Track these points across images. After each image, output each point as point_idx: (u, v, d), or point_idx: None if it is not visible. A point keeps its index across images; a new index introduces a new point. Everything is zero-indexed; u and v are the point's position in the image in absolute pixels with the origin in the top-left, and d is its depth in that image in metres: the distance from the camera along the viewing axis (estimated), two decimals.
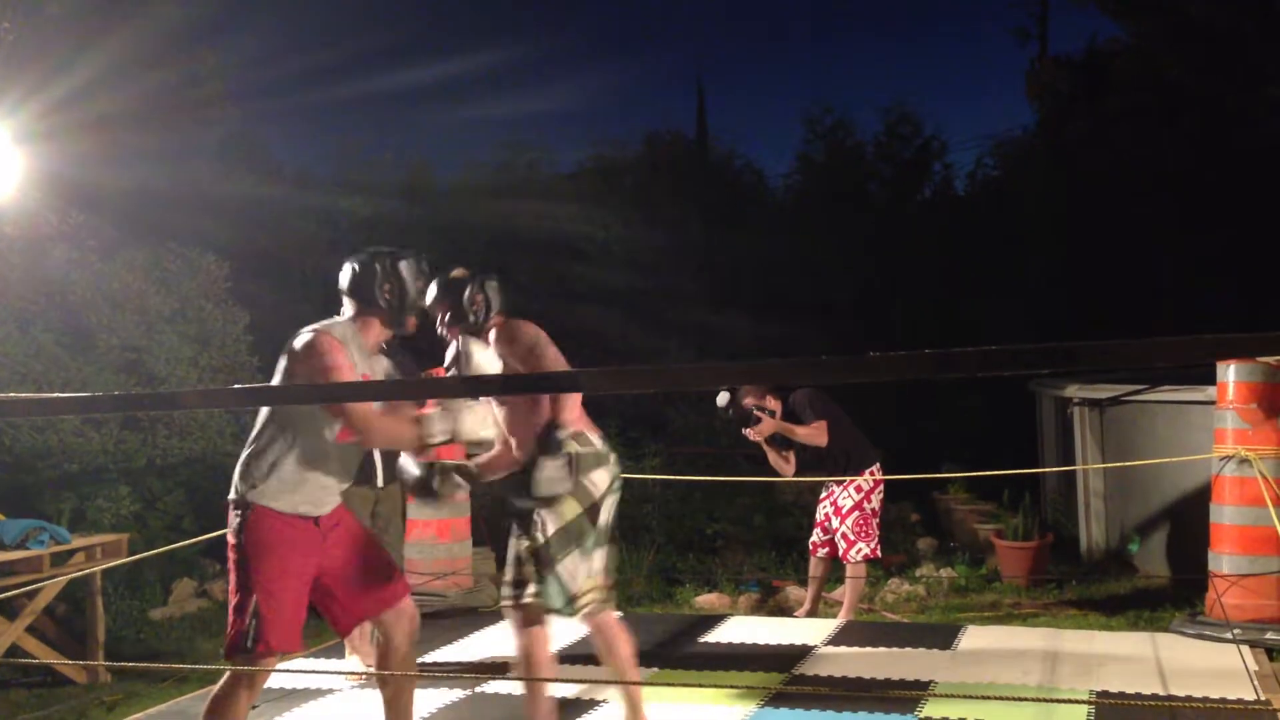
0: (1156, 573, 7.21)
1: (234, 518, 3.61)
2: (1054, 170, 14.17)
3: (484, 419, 3.76)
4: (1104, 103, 14.30)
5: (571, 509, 3.91)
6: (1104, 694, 4.68)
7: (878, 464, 6.35)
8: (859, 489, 6.27)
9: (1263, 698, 4.61)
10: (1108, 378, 8.17)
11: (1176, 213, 12.64)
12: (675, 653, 5.66)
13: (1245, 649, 5.27)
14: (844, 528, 6.29)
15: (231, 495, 3.64)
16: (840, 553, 6.32)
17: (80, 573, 5.60)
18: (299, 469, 3.59)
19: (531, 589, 3.87)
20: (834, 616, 6.37)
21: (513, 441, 4.06)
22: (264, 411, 3.72)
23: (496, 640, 5.86)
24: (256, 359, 8.51)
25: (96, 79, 7.69)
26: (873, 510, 6.32)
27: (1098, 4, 15.16)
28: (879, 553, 6.41)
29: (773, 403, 6.35)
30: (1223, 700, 4.57)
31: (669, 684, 5.09)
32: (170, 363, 8.12)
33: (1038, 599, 6.83)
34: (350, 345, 3.66)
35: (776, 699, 4.76)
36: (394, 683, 3.79)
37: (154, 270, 8.47)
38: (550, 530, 3.89)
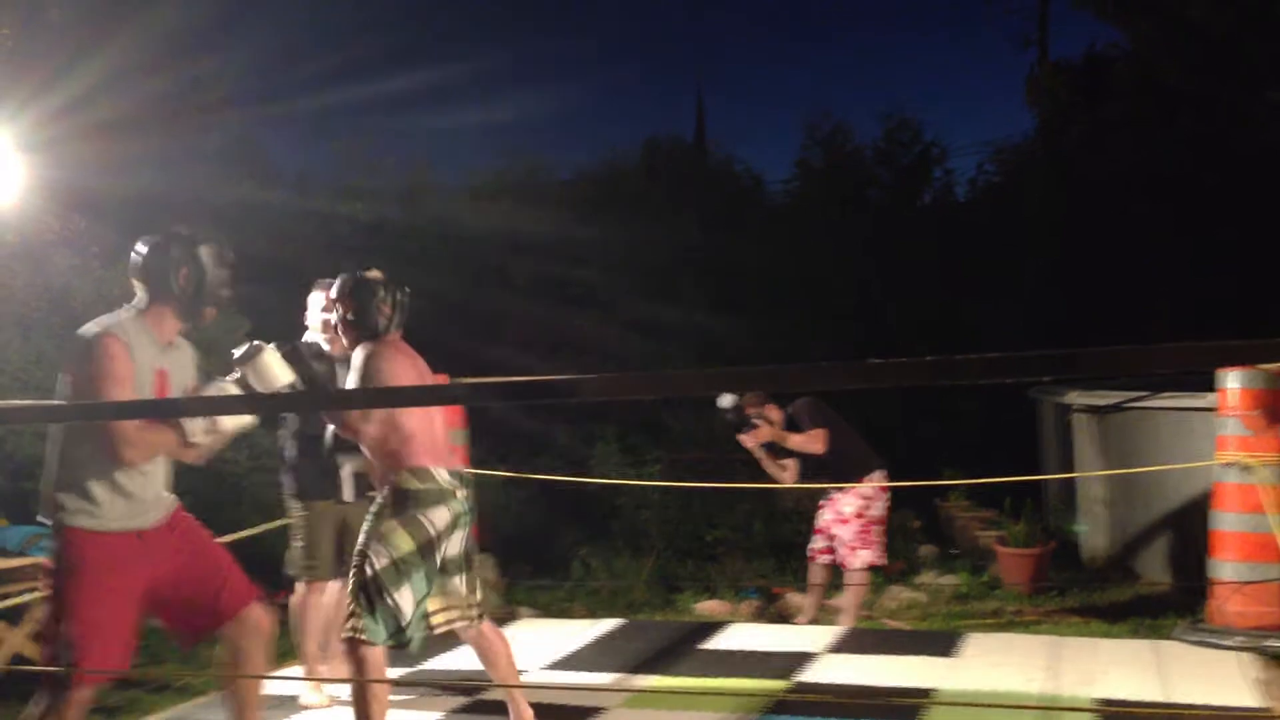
0: (1158, 580, 7.20)
1: (50, 543, 3.37)
2: (1054, 175, 14.19)
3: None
4: (1103, 108, 14.33)
5: (405, 544, 3.86)
6: (1107, 701, 4.67)
7: (881, 471, 6.35)
8: (861, 496, 6.27)
9: (1265, 705, 4.60)
10: (1108, 384, 8.17)
11: (1175, 217, 12.66)
12: (676, 660, 5.65)
13: (1247, 656, 5.26)
14: (846, 534, 6.28)
15: (43, 519, 3.39)
16: (841, 559, 6.32)
17: None
18: (105, 484, 3.35)
19: (356, 623, 3.83)
20: (835, 623, 6.37)
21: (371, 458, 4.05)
22: (55, 430, 3.43)
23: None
24: None
25: (96, 85, 7.71)
26: (876, 518, 6.32)
27: (1096, 9, 15.19)
28: (883, 560, 6.41)
29: (772, 411, 6.37)
30: (1225, 708, 4.56)
31: (670, 691, 5.08)
32: None
33: (1040, 606, 6.83)
34: (140, 341, 3.42)
35: (779, 706, 4.76)
36: (236, 692, 3.58)
37: None
38: (380, 564, 3.84)
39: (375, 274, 4.14)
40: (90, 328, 3.41)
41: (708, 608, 7.07)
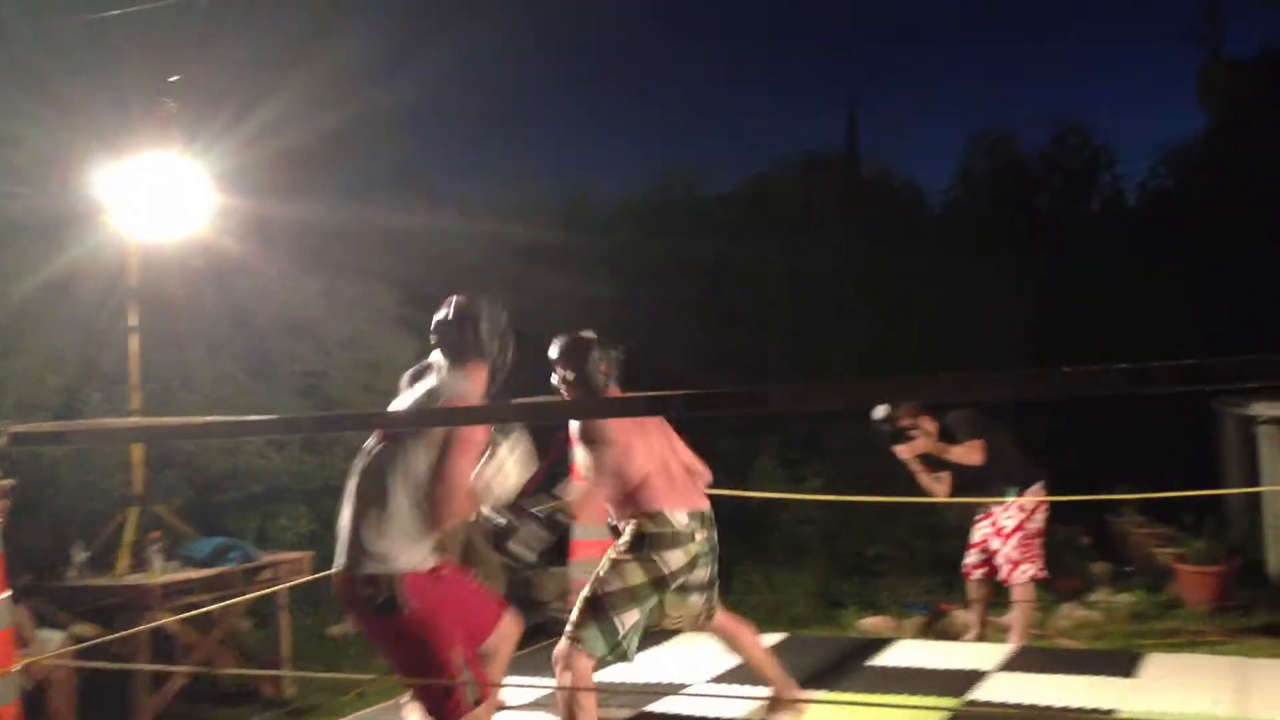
0: None
1: (378, 593, 3.40)
2: (1231, 178, 13.55)
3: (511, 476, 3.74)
4: None
5: (636, 576, 4.11)
6: None
7: (1040, 484, 6.18)
8: (1021, 509, 6.12)
9: None
10: None
11: None
12: (842, 676, 5.60)
13: None
14: (1007, 549, 6.13)
15: (368, 571, 3.43)
16: (1004, 575, 6.17)
17: (272, 590, 5.87)
18: (417, 525, 3.46)
19: (579, 633, 4.07)
20: (1004, 641, 6.21)
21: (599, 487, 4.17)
22: (387, 478, 3.49)
23: (662, 660, 5.90)
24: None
25: (279, 118, 8.10)
26: (1036, 530, 6.16)
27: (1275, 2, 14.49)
28: (1045, 573, 6.24)
29: (928, 423, 6.25)
30: None
31: (839, 702, 5.04)
32: (345, 387, 8.48)
33: (1224, 626, 6.52)
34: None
35: None
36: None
37: (329, 299, 8.86)
38: (611, 587, 4.09)
39: (589, 334, 4.38)
40: (449, 391, 3.57)
41: (872, 624, 6.98)
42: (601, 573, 4.16)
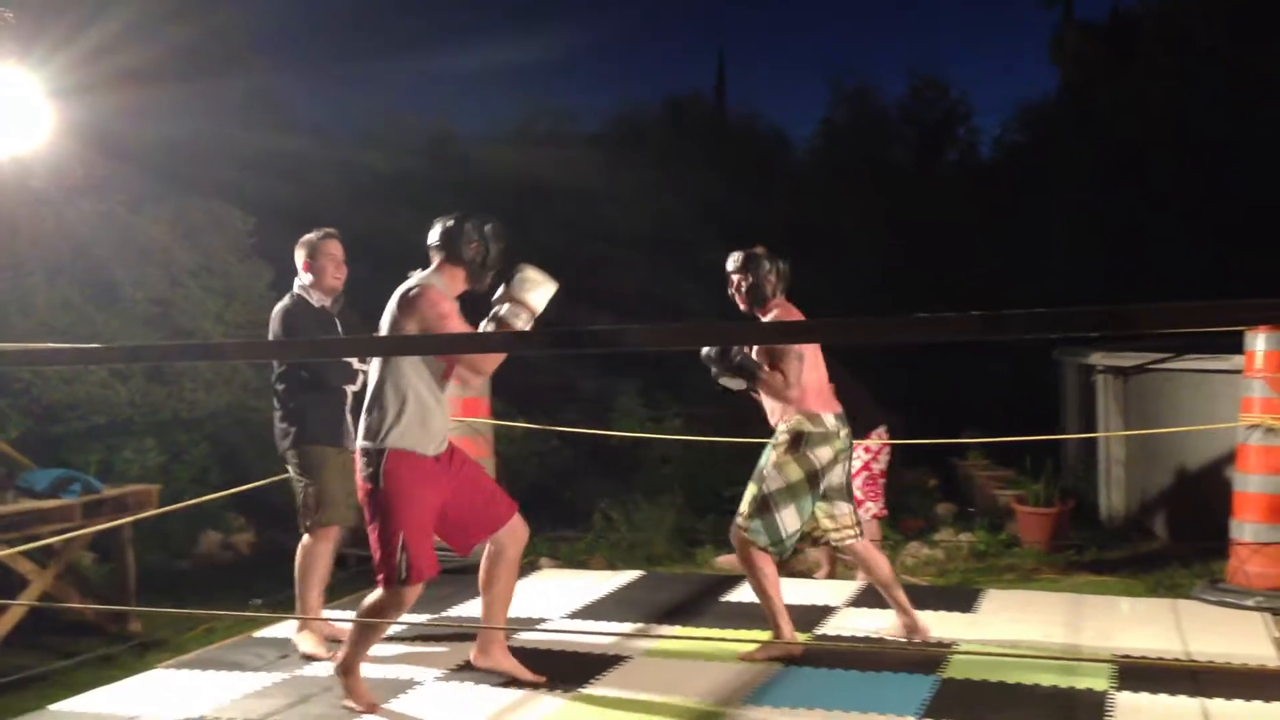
0: (1176, 540, 7.21)
1: (366, 465, 4.03)
2: (1081, 136, 14.05)
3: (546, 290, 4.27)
4: (1131, 67, 14.15)
5: (795, 473, 4.74)
6: (1126, 656, 4.71)
7: (884, 427, 6.40)
8: (867, 450, 6.34)
9: None
10: (1131, 346, 8.14)
11: (1206, 178, 12.53)
12: (696, 612, 5.70)
13: (1266, 616, 5.29)
14: (852, 488, 6.32)
15: (362, 444, 4.07)
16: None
17: (115, 523, 5.65)
18: (418, 413, 4.02)
19: (744, 522, 4.76)
20: (853, 578, 6.41)
21: (782, 387, 4.79)
22: (377, 365, 4.12)
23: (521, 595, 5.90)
24: None
25: (123, 32, 7.68)
26: (880, 471, 6.42)
27: None
28: (885, 511, 6.50)
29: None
30: (1243, 666, 4.59)
31: (692, 638, 5.14)
32: (195, 317, 8.17)
33: (1057, 564, 6.85)
34: (448, 292, 4.15)
35: (801, 657, 4.80)
36: (497, 587, 4.36)
37: (179, 224, 8.50)
38: (774, 486, 4.74)
39: (761, 249, 4.91)
40: (410, 285, 4.15)
41: (726, 561, 7.11)
42: (765, 472, 4.77)
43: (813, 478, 4.77)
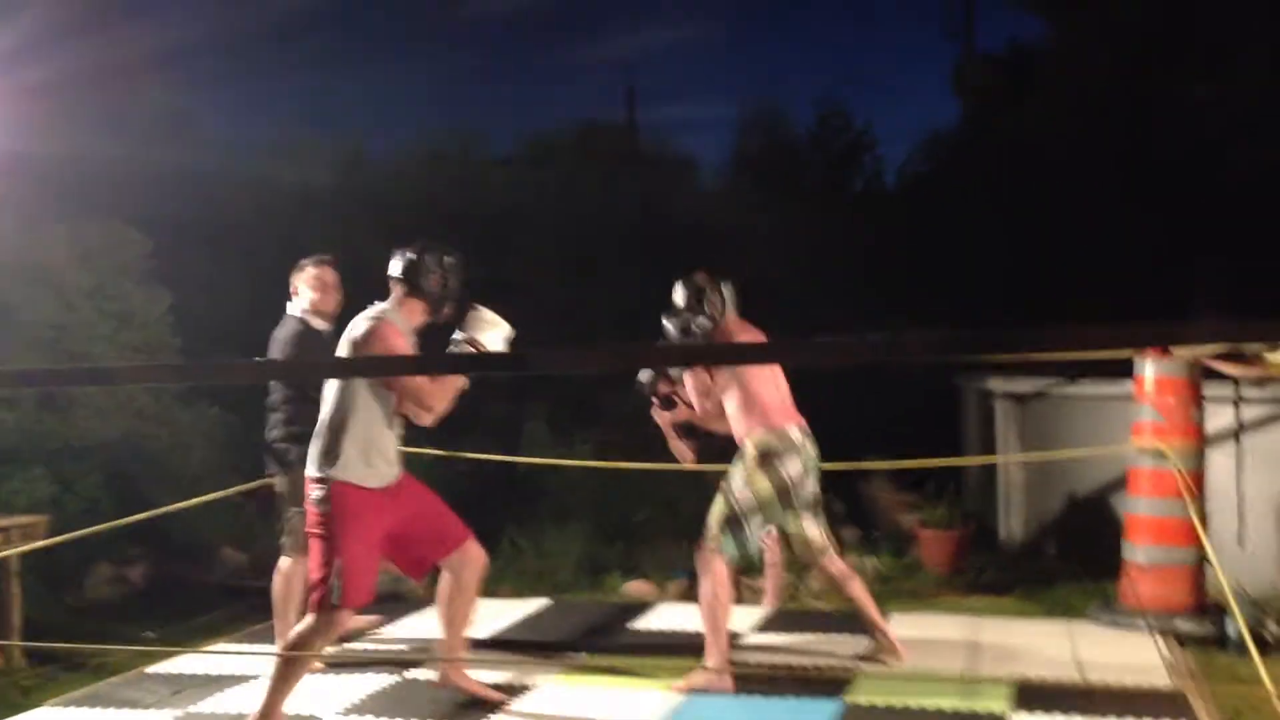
0: (1073, 562, 7.37)
1: (316, 491, 4.12)
2: (982, 166, 14.38)
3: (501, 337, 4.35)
4: (1032, 100, 14.55)
5: (764, 487, 4.82)
6: (1023, 678, 4.79)
7: None
8: None
9: (1174, 684, 4.75)
10: (1029, 371, 8.34)
11: (1102, 210, 12.90)
12: (604, 639, 5.68)
13: (1157, 637, 5.43)
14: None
15: (312, 472, 4.16)
16: None
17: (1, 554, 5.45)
18: (363, 447, 4.12)
19: (716, 537, 4.82)
20: (759, 604, 6.44)
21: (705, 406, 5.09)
22: (331, 396, 4.20)
23: (419, 626, 5.83)
24: (179, 340, 8.35)
25: (20, 45, 7.47)
26: None
27: (1023, 1, 15.42)
28: None
29: (684, 392, 6.44)
30: (1136, 686, 4.70)
31: (599, 667, 5.11)
32: (89, 340, 7.93)
33: (958, 587, 6.96)
34: (404, 327, 4.24)
35: (723, 684, 4.79)
36: (453, 610, 4.46)
37: (75, 245, 8.26)
38: (744, 500, 4.83)
39: (701, 275, 5.08)
40: (365, 320, 4.23)
41: (635, 588, 7.10)
42: (735, 487, 4.85)
43: (783, 492, 4.86)
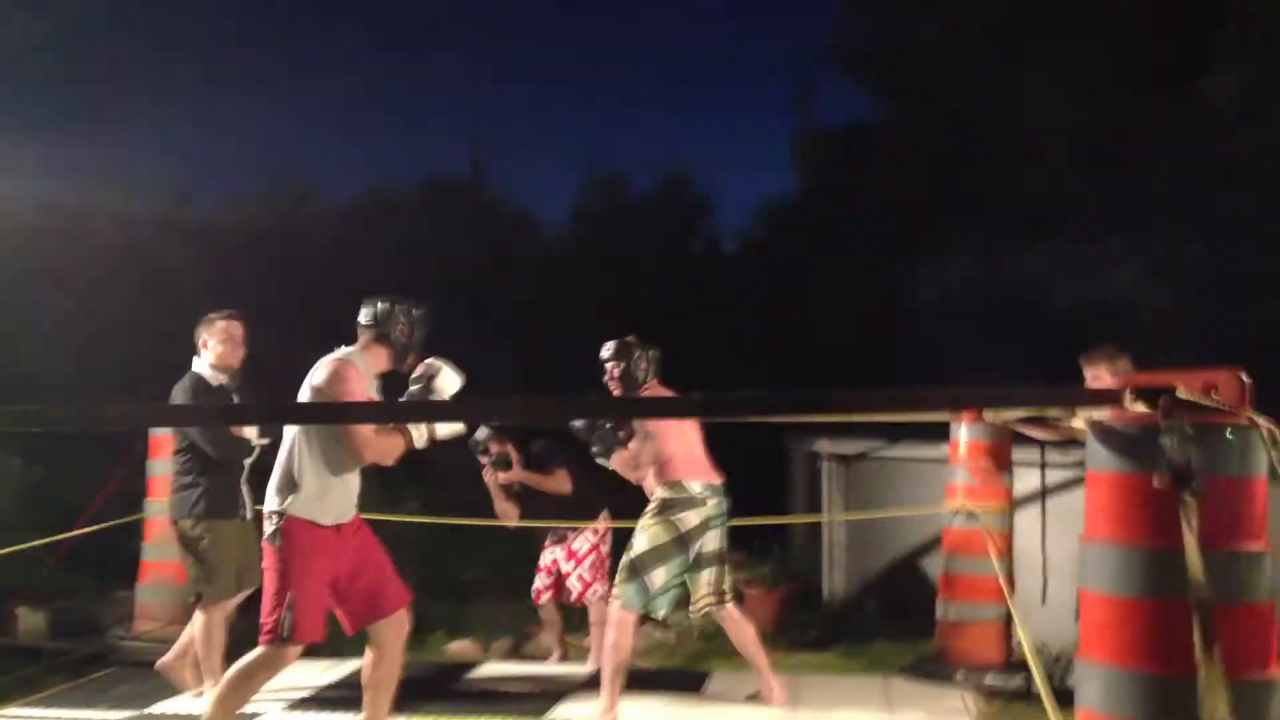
0: (893, 620, 7.56)
1: (270, 525, 4.18)
2: (815, 235, 14.86)
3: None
4: (865, 174, 15.14)
5: (661, 536, 5.07)
6: None
7: (606, 510, 6.56)
8: (595, 532, 6.46)
9: None
10: (853, 434, 8.57)
11: (938, 276, 13.42)
12: (426, 700, 5.53)
13: (967, 692, 5.60)
14: (580, 570, 6.41)
15: (268, 506, 4.22)
16: (575, 596, 6.42)
17: None
18: (324, 484, 4.20)
19: (619, 590, 5.05)
20: (584, 661, 6.40)
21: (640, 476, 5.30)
22: (290, 436, 4.26)
23: None
24: None
25: None
26: (607, 554, 6.52)
27: (859, 82, 16.11)
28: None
29: (513, 451, 6.50)
30: None
31: None
32: None
33: (781, 645, 7.05)
34: (366, 371, 4.33)
35: None
36: (380, 673, 4.39)
37: None
38: (641, 549, 5.05)
39: (633, 338, 5.35)
40: (331, 359, 4.31)
41: (460, 648, 6.98)
42: (634, 539, 5.09)
43: (680, 541, 5.08)
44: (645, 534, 5.09)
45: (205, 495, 5.31)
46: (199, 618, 5.34)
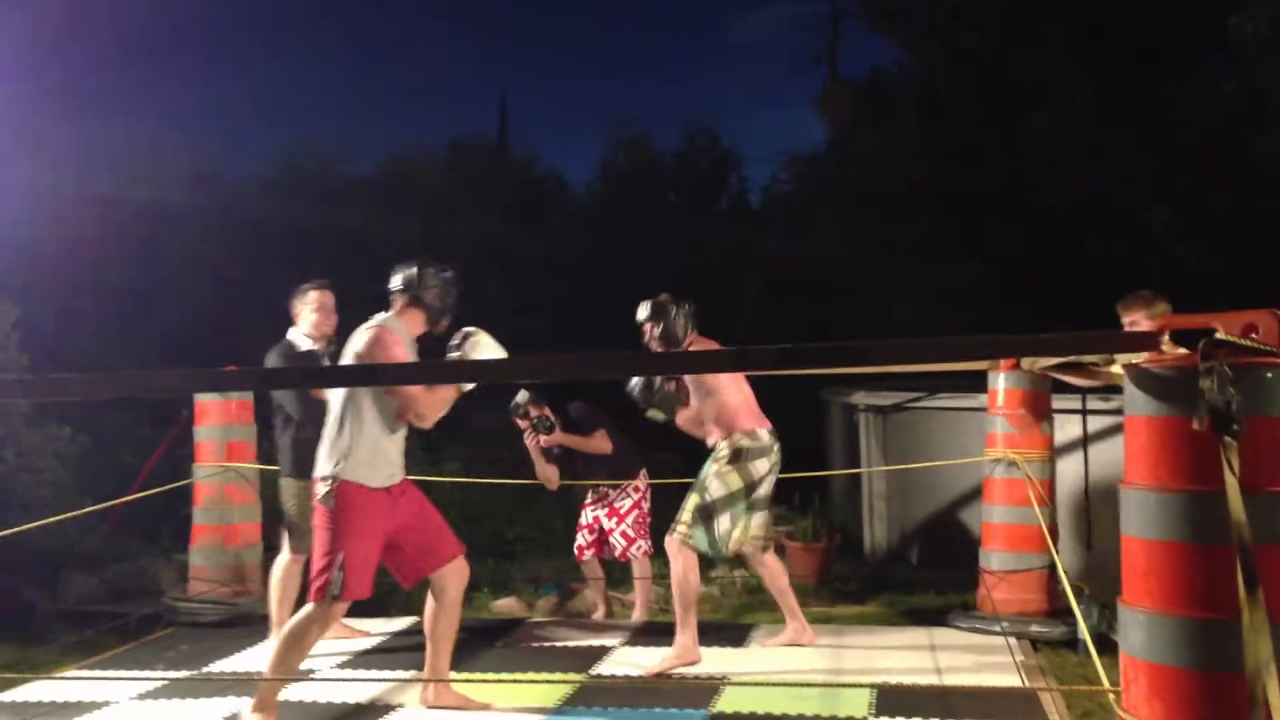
0: (934, 570, 7.60)
1: (322, 488, 4.32)
2: (842, 185, 14.77)
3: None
4: (888, 124, 15.03)
5: (735, 483, 5.24)
6: (884, 683, 4.92)
7: (645, 468, 6.63)
8: (636, 489, 6.51)
9: (1028, 685, 4.94)
10: (891, 385, 8.58)
11: (957, 228, 13.36)
12: (473, 656, 5.63)
13: (1013, 640, 5.63)
14: (624, 527, 6.46)
15: (320, 471, 4.36)
16: (619, 552, 6.48)
17: None
18: (368, 449, 4.32)
19: (685, 530, 5.19)
20: (628, 617, 6.47)
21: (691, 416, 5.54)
22: (339, 401, 4.38)
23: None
24: (26, 357, 8.02)
25: None
26: (648, 510, 6.58)
27: (879, 29, 15.95)
28: (654, 549, 6.61)
29: (550, 414, 6.56)
30: (992, 688, 4.86)
31: (470, 681, 5.05)
32: None
33: (824, 597, 7.10)
34: (403, 336, 4.46)
35: (575, 698, 4.81)
36: (440, 623, 4.55)
37: None
38: (716, 494, 5.23)
39: (665, 296, 5.41)
40: (369, 326, 4.45)
41: (505, 605, 7.06)
42: (707, 483, 5.23)
43: (750, 488, 5.28)
44: (720, 480, 5.24)
45: (302, 457, 5.41)
46: (278, 569, 5.59)
